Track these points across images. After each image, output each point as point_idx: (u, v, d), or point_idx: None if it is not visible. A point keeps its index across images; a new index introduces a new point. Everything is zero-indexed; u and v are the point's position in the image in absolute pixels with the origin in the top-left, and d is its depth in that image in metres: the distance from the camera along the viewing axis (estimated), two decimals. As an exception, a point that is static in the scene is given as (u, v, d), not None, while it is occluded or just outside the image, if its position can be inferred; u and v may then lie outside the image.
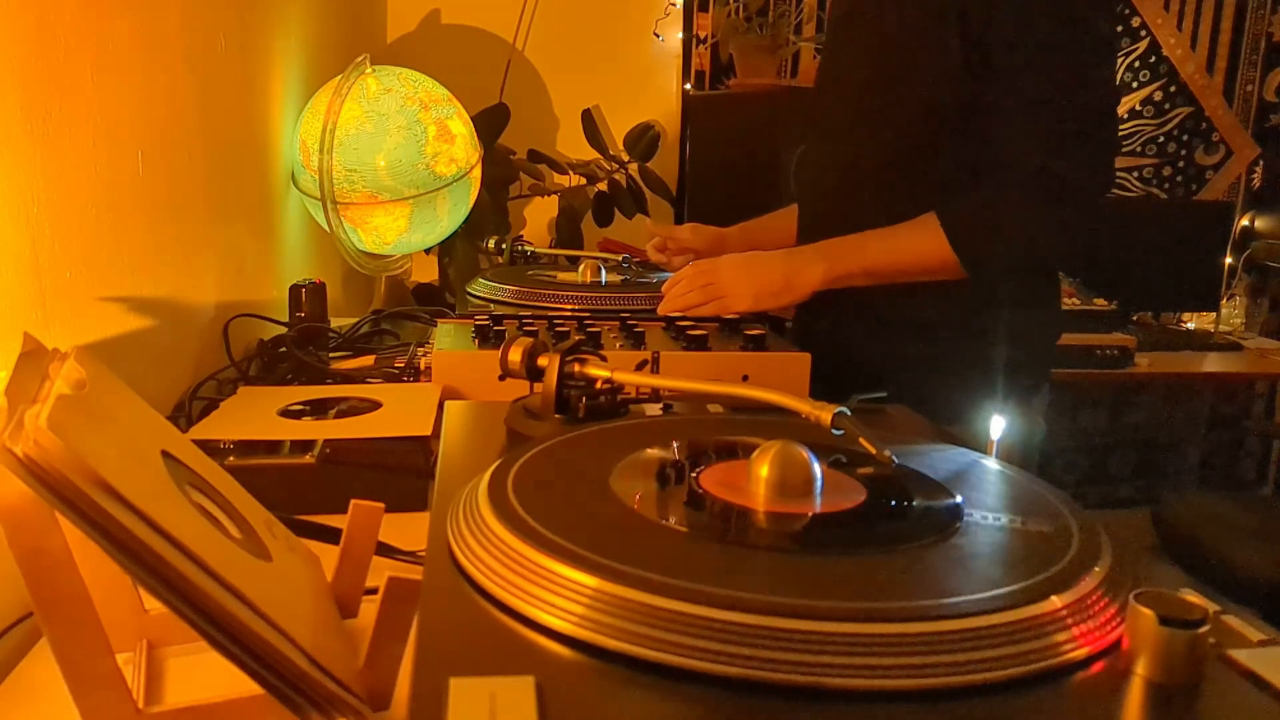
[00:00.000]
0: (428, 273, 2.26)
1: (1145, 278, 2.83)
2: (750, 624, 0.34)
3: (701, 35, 2.68)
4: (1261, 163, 3.03)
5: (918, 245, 1.06)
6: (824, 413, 0.54)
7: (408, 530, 0.68)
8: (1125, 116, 2.96)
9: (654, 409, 0.68)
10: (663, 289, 1.17)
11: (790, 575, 0.39)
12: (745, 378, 0.96)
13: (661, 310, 1.14)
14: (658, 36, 2.64)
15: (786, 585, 0.37)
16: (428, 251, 2.04)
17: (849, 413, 0.54)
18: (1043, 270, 1.17)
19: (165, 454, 0.47)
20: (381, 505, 0.58)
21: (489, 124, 2.19)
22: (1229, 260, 2.96)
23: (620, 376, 0.66)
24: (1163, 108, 2.96)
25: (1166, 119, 2.97)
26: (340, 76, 1.53)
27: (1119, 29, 2.87)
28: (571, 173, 2.41)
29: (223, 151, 1.23)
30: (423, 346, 1.18)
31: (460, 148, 1.63)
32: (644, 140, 2.41)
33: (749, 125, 2.38)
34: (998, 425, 0.57)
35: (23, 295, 0.72)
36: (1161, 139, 2.98)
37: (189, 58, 1.09)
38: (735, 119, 2.46)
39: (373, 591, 0.52)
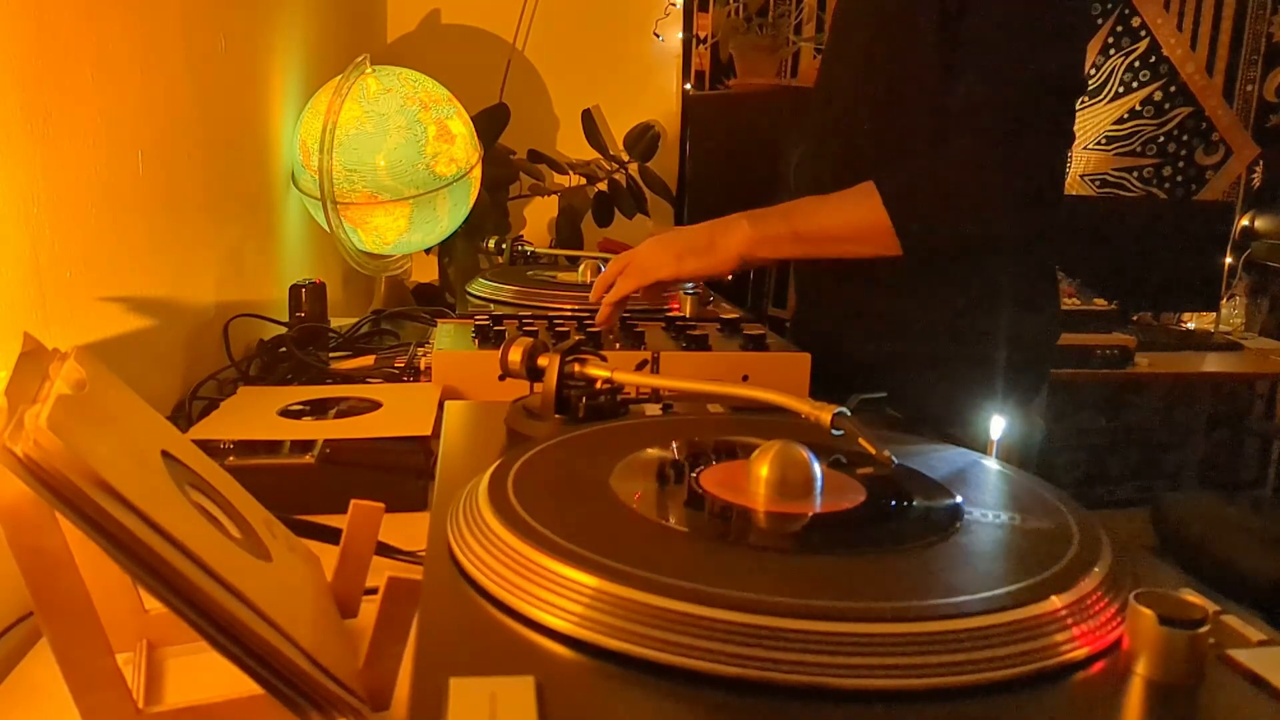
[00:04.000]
0: (428, 273, 2.27)
1: (1145, 278, 2.83)
2: (750, 624, 0.34)
3: (701, 35, 2.68)
4: (1261, 163, 3.03)
5: (850, 210, 1.02)
6: (824, 413, 0.54)
7: (408, 530, 0.68)
8: (1125, 116, 2.96)
9: (654, 409, 0.68)
10: (607, 275, 1.09)
11: (790, 575, 0.39)
12: (745, 378, 0.96)
13: (599, 319, 1.07)
14: (658, 36, 2.64)
15: (786, 585, 0.37)
16: (428, 251, 2.04)
17: (849, 413, 0.54)
18: (1040, 269, 1.17)
19: (165, 454, 0.47)
20: (381, 505, 0.58)
21: (489, 124, 2.19)
22: (1229, 260, 2.96)
23: (620, 376, 0.66)
24: (1163, 108, 2.96)
25: (1166, 119, 2.97)
26: (340, 76, 1.53)
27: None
28: (571, 173, 2.41)
29: (223, 151, 1.23)
30: (423, 346, 1.17)
31: (460, 148, 1.63)
32: (644, 140, 2.41)
33: (749, 125, 2.38)
34: (998, 425, 0.57)
35: (23, 295, 0.72)
36: (1161, 139, 2.98)
37: (189, 58, 1.09)
38: (735, 119, 2.46)
39: (373, 591, 0.52)
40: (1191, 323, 2.98)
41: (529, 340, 0.70)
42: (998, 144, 0.97)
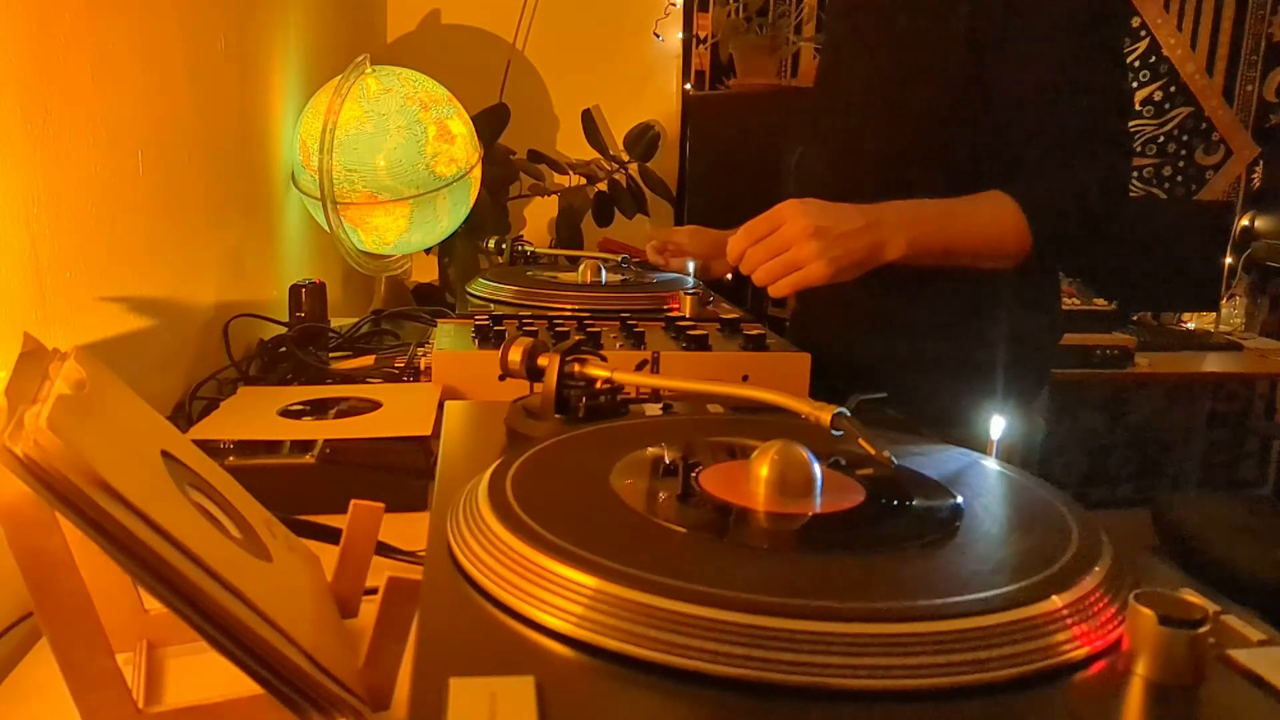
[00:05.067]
0: (428, 273, 2.27)
1: (1145, 278, 2.83)
2: (750, 624, 0.34)
3: (701, 35, 2.68)
4: (1261, 163, 3.03)
5: (1000, 227, 0.99)
6: (824, 413, 0.54)
7: (408, 530, 0.68)
8: (1125, 116, 2.96)
9: (654, 409, 0.68)
10: (734, 250, 0.99)
11: (790, 575, 0.39)
12: (745, 378, 0.95)
13: (759, 280, 0.98)
14: (658, 36, 2.64)
15: (786, 585, 0.37)
16: (428, 251, 2.04)
17: (849, 413, 0.53)
18: (1044, 271, 1.17)
19: (165, 454, 0.47)
20: (381, 505, 0.58)
21: (489, 124, 2.19)
22: (1229, 260, 2.96)
23: (620, 376, 0.66)
24: (1163, 108, 2.96)
25: (1166, 119, 2.97)
26: (340, 76, 1.53)
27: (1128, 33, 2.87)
28: (571, 173, 2.41)
29: (222, 151, 1.23)
30: (423, 346, 1.17)
31: (460, 148, 1.63)
32: (644, 140, 2.41)
33: (749, 125, 2.38)
34: (998, 425, 0.57)
35: (23, 295, 0.72)
36: (1161, 139, 2.98)
37: (189, 58, 1.09)
38: (735, 119, 2.46)
39: (373, 591, 0.52)
40: (1191, 323, 2.98)
41: (529, 340, 0.70)
42: (1106, 169, 0.99)
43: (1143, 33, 2.91)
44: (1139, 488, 3.10)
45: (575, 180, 2.41)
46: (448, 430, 0.65)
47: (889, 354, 1.12)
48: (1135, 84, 2.94)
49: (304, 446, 0.80)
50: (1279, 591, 1.80)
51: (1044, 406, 1.20)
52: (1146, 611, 0.34)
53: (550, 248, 2.09)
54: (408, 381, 1.06)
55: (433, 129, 1.58)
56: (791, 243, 0.94)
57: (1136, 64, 2.92)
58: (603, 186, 2.40)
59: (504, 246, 1.61)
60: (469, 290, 1.32)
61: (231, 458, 0.78)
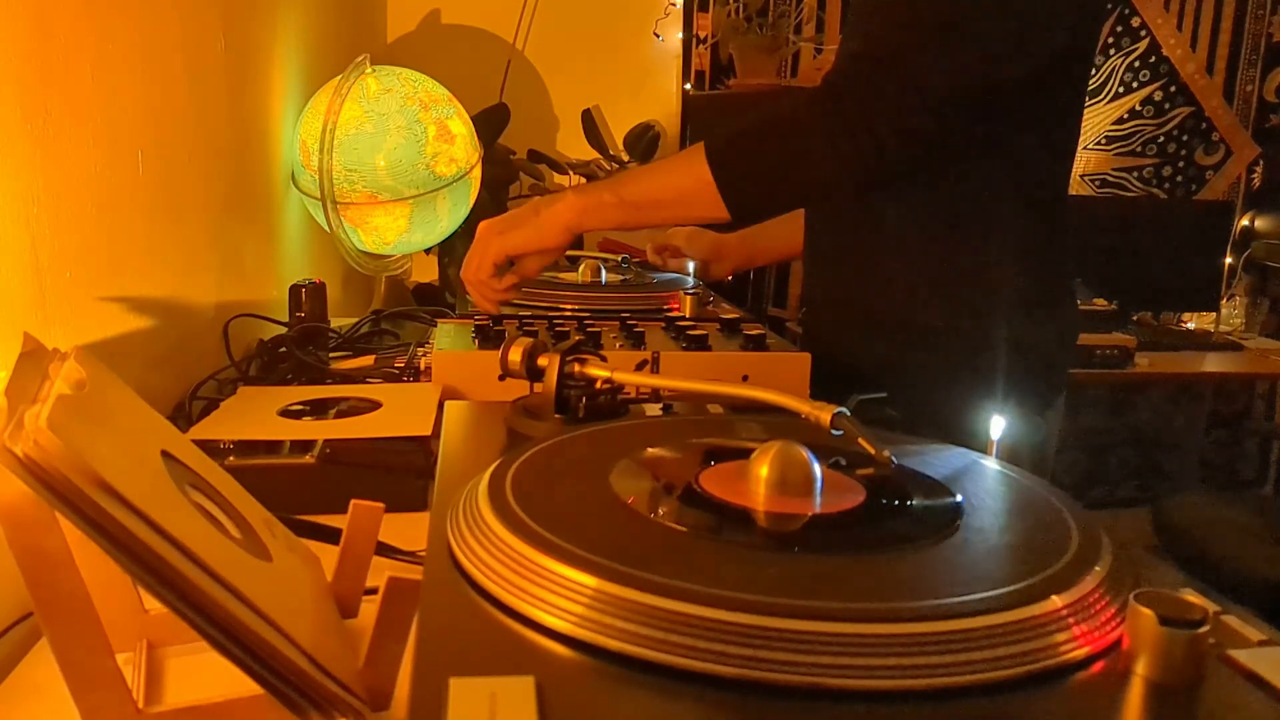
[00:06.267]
0: (428, 273, 2.27)
1: (1145, 278, 2.83)
2: (750, 624, 0.34)
3: (701, 35, 2.68)
4: (1261, 163, 3.03)
5: (677, 173, 0.98)
6: (824, 413, 0.54)
7: (408, 530, 0.68)
8: (1125, 116, 2.96)
9: (654, 409, 0.68)
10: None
11: (790, 575, 0.39)
12: (745, 378, 0.95)
13: (467, 281, 1.06)
14: (658, 36, 2.64)
15: (786, 585, 0.37)
16: (428, 251, 2.04)
17: (848, 413, 0.53)
18: (1053, 272, 1.14)
19: (165, 454, 0.47)
20: (381, 505, 0.58)
21: (489, 124, 2.19)
22: (1229, 260, 2.96)
23: (620, 376, 0.66)
24: (1163, 108, 2.96)
25: (1166, 119, 2.97)
26: (340, 76, 1.53)
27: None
28: (571, 173, 2.41)
29: (222, 151, 1.23)
30: (423, 346, 1.17)
31: (460, 148, 1.63)
32: (644, 140, 2.41)
33: (749, 125, 2.38)
34: (997, 425, 0.57)
35: (23, 295, 0.72)
36: (1161, 139, 2.98)
37: (189, 58, 1.09)
38: (735, 119, 2.46)
39: (373, 591, 0.52)
40: (1191, 323, 2.98)
41: (529, 340, 0.70)
42: (842, 106, 0.91)
43: (1143, 33, 2.91)
44: (1139, 488, 3.11)
45: (575, 180, 2.41)
46: (448, 430, 0.65)
47: (900, 360, 1.10)
48: (1135, 84, 2.94)
49: (304, 446, 0.80)
50: (1279, 591, 1.80)
51: (1059, 417, 1.19)
52: (1146, 611, 0.34)
53: (550, 248, 2.09)
54: (408, 381, 1.06)
55: (433, 129, 1.58)
56: (478, 239, 1.04)
57: (1136, 64, 2.93)
58: (603, 186, 2.40)
59: (504, 246, 1.61)
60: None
61: (231, 458, 0.78)
